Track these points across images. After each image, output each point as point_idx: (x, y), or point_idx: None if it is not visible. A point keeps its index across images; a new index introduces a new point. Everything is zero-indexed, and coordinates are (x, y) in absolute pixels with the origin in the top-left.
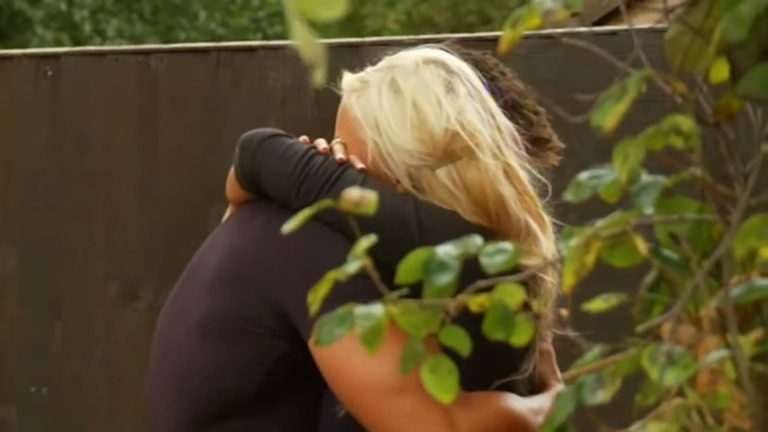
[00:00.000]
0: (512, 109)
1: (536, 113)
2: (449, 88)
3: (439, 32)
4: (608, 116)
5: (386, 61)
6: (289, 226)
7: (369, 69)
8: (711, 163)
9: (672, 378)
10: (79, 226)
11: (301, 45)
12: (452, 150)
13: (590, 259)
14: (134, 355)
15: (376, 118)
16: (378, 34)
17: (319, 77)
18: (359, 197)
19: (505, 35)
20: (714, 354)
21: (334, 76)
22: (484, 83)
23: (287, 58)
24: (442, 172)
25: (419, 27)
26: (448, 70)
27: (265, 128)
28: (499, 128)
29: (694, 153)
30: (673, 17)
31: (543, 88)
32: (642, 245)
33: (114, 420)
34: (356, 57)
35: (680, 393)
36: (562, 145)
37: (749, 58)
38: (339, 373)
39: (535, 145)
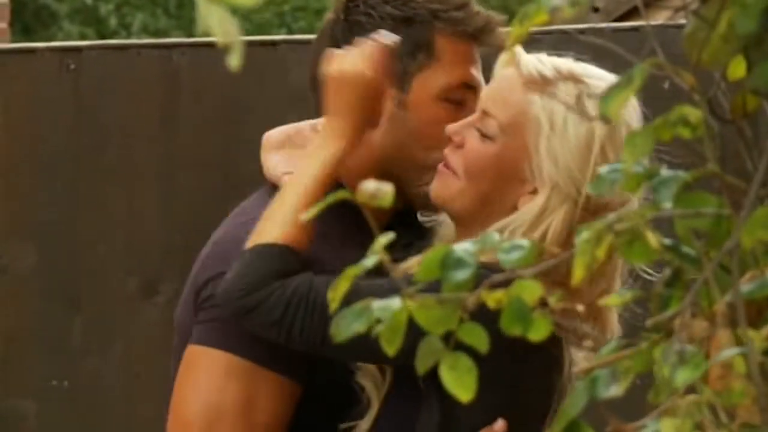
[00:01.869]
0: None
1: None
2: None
3: None
4: (613, 103)
5: (566, 65)
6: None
7: (545, 59)
8: (731, 159)
9: (683, 377)
10: (99, 221)
11: (214, 28)
12: (604, 211)
13: (601, 253)
14: (153, 350)
15: (552, 134)
16: None
17: (234, 62)
18: (375, 189)
19: (513, 31)
20: (726, 351)
21: None
22: None
23: (310, 52)
24: (577, 216)
25: None
26: (632, 116)
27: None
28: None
29: (707, 148)
30: (689, 12)
31: None
32: (654, 240)
33: (133, 414)
34: None
35: (692, 387)
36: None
37: (764, 56)
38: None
39: (480, 33)
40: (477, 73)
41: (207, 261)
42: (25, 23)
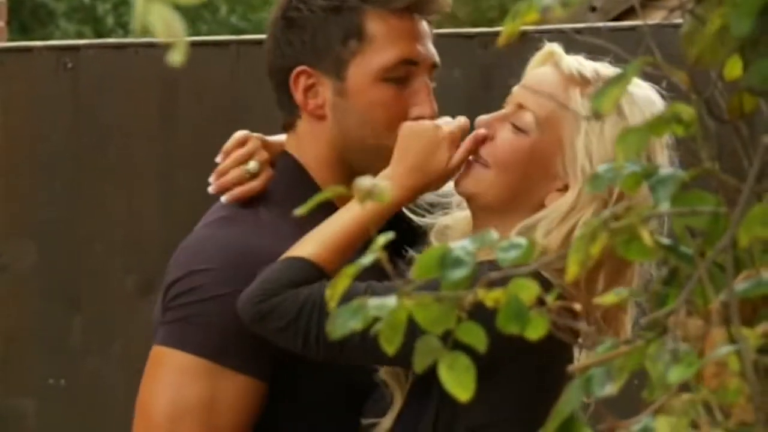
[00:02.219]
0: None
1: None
2: (664, 149)
3: (460, 26)
4: (606, 100)
5: (605, 68)
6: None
7: (584, 61)
8: (727, 158)
9: (676, 376)
10: (98, 220)
11: (155, 23)
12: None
13: (596, 250)
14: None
15: (590, 132)
16: None
17: (177, 58)
18: (371, 186)
19: (505, 29)
20: (720, 349)
21: None
22: None
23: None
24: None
25: (440, 21)
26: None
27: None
28: None
29: (701, 147)
30: (686, 11)
31: None
32: (649, 238)
33: (132, 413)
34: None
35: (685, 386)
36: None
37: (760, 56)
38: (144, 379)
39: (416, 5)
40: (419, 45)
41: (172, 264)
42: (22, 22)
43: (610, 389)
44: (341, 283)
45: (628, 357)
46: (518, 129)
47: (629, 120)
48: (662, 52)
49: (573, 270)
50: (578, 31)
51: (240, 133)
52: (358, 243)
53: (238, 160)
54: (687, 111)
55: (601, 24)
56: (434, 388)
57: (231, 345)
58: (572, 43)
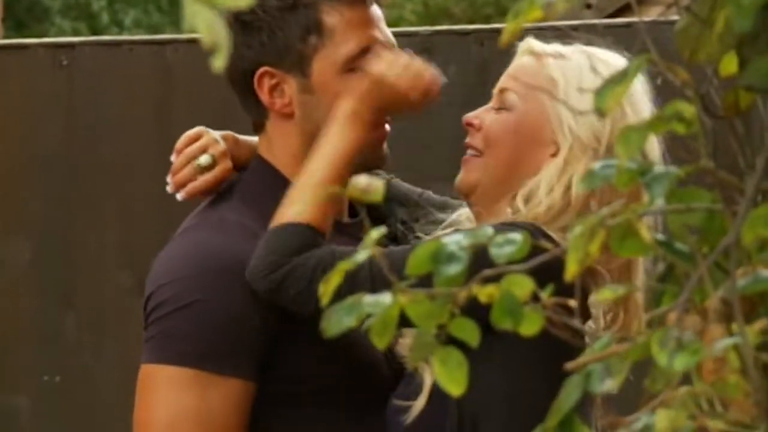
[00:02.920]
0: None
1: None
2: (646, 100)
3: (456, 23)
4: (608, 98)
5: (575, 46)
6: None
7: (554, 45)
8: (722, 154)
9: (681, 363)
10: (93, 217)
11: (201, 28)
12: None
13: (594, 248)
14: None
15: (570, 90)
16: (395, 24)
17: (219, 63)
18: (366, 184)
19: (507, 27)
20: (722, 341)
21: None
22: None
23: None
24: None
25: (436, 18)
26: (641, 82)
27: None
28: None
29: (700, 144)
30: (681, 8)
31: None
32: (647, 235)
33: (125, 410)
34: None
35: (685, 382)
36: None
37: (759, 53)
38: (137, 399)
39: None
40: (376, 31)
41: (149, 277)
42: (17, 19)
43: (610, 385)
44: (334, 280)
45: (630, 350)
46: (502, 109)
47: (604, 75)
48: (658, 49)
49: (572, 269)
50: (574, 28)
51: (192, 130)
52: (340, 183)
53: (188, 156)
54: (688, 109)
55: (596, 21)
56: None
57: (210, 350)
58: (568, 40)
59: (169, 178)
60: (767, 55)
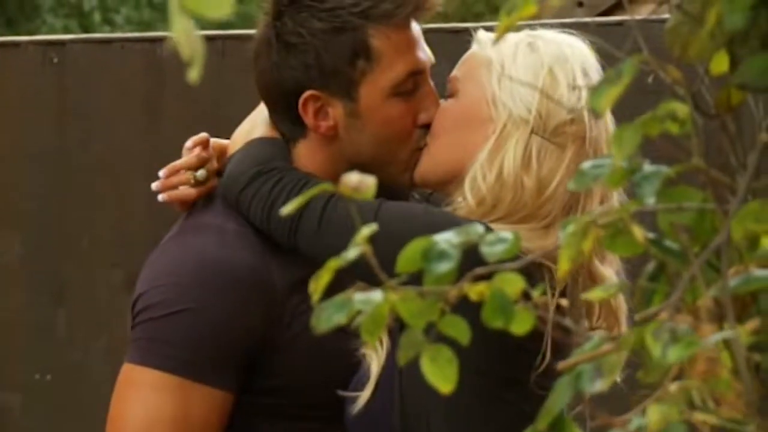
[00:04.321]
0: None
1: None
2: (585, 73)
3: (447, 21)
4: (603, 99)
5: (525, 30)
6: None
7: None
8: (714, 153)
9: (675, 355)
10: (84, 213)
11: (179, 39)
12: (562, 131)
13: (587, 246)
14: None
15: (504, 65)
16: None
17: (194, 75)
18: (358, 182)
19: (501, 24)
20: (714, 336)
21: None
22: None
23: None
24: (534, 142)
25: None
26: (587, 58)
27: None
28: (607, 131)
29: (692, 143)
30: (672, 6)
31: None
32: (640, 234)
33: None
34: None
35: (677, 379)
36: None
37: (751, 51)
38: (115, 396)
39: (414, 14)
40: (421, 52)
41: (138, 279)
42: (8, 16)
43: (601, 385)
44: (324, 277)
45: (622, 345)
46: (449, 97)
47: (542, 55)
48: (649, 47)
49: (564, 266)
50: (566, 26)
51: (202, 136)
52: None
53: (187, 165)
54: (682, 109)
55: (588, 19)
56: (396, 375)
57: (197, 359)
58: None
59: (162, 173)
60: (759, 54)
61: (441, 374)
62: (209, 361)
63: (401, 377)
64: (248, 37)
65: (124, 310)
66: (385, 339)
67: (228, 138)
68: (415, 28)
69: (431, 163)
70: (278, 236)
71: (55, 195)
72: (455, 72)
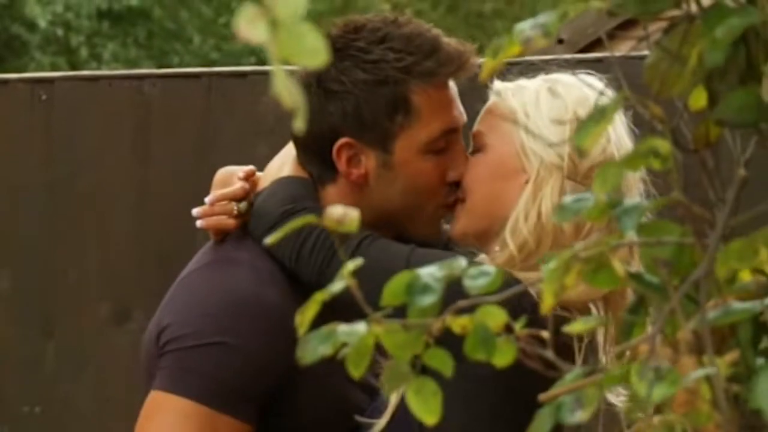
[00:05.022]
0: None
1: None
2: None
3: None
4: (588, 137)
5: (540, 76)
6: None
7: (518, 81)
8: (692, 188)
9: (660, 393)
10: (72, 248)
11: (281, 92)
12: (593, 169)
13: (570, 281)
14: (125, 376)
15: (529, 114)
16: None
17: (299, 123)
18: (342, 215)
19: (486, 64)
20: (695, 373)
21: None
22: None
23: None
24: (568, 186)
25: None
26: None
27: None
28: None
29: (672, 178)
30: (652, 43)
31: None
32: (620, 268)
33: None
34: None
35: (656, 411)
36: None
37: (728, 87)
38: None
39: (455, 73)
40: (456, 111)
41: (166, 306)
42: None
43: (581, 416)
44: (310, 310)
45: (605, 380)
46: (475, 152)
47: (565, 99)
48: (629, 83)
49: (548, 301)
50: (546, 62)
51: (252, 168)
52: None
53: (233, 195)
54: (663, 145)
55: (569, 56)
56: None
57: (224, 390)
58: (542, 74)
59: (207, 200)
60: (738, 90)
61: (425, 407)
62: (235, 393)
63: None
64: (233, 74)
65: (111, 343)
66: None
67: (213, 176)
68: (453, 86)
69: (469, 218)
70: (306, 276)
71: (44, 230)
72: (479, 126)
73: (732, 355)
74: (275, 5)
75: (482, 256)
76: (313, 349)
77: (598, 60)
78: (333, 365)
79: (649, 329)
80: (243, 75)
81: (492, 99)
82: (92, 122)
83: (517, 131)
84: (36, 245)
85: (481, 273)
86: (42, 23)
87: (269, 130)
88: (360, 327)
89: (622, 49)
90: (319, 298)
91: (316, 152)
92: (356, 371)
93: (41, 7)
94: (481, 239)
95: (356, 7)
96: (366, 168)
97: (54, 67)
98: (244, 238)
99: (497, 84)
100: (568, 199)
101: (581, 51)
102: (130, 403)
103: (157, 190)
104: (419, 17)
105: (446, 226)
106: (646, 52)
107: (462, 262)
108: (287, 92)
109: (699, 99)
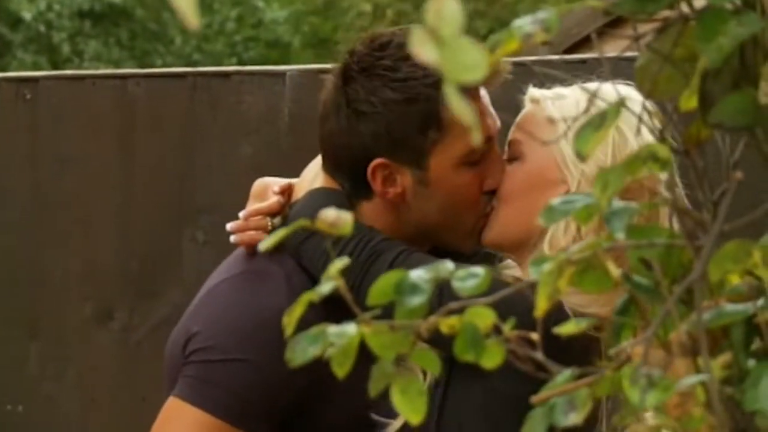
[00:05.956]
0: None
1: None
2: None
3: None
4: (588, 143)
5: (577, 84)
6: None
7: (556, 89)
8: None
9: (653, 400)
10: (56, 248)
11: (460, 112)
12: (635, 185)
13: (563, 284)
14: (107, 375)
15: (567, 120)
16: None
17: (476, 138)
18: (335, 218)
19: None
20: (689, 377)
21: (312, 101)
22: None
23: (262, 83)
24: None
25: None
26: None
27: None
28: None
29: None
30: (643, 45)
31: (515, 114)
32: (614, 270)
33: None
34: None
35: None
36: None
37: (722, 89)
38: (157, 426)
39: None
40: (489, 118)
41: (194, 313)
42: None
43: (574, 418)
44: (297, 310)
45: (598, 387)
46: (512, 160)
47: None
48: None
49: (542, 305)
50: (534, 63)
51: (288, 182)
52: None
53: (268, 210)
54: (662, 149)
55: (555, 57)
56: (438, 389)
57: (243, 406)
58: (530, 75)
59: (242, 215)
60: (734, 93)
61: (411, 406)
62: (257, 413)
63: (440, 416)
64: (217, 74)
65: (95, 343)
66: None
67: (198, 176)
68: (484, 94)
69: (502, 227)
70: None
71: (27, 229)
72: (515, 134)
73: (725, 357)
74: (439, 25)
75: (509, 262)
76: (302, 350)
77: (582, 61)
78: (354, 382)
79: (639, 331)
80: (227, 75)
81: (528, 106)
82: (77, 121)
83: (557, 141)
84: (20, 245)
85: (469, 274)
86: (27, 16)
87: (253, 129)
88: (350, 328)
89: (606, 49)
90: (305, 299)
91: (348, 172)
92: (340, 371)
93: (27, 2)
94: (516, 250)
95: (339, 7)
96: (402, 186)
97: (36, 66)
98: (277, 250)
99: (534, 91)
100: (556, 200)
101: (565, 52)
102: (112, 402)
103: (141, 190)
104: (401, 18)
105: None
106: (633, 54)
107: (449, 265)
108: (462, 108)
109: (689, 100)
